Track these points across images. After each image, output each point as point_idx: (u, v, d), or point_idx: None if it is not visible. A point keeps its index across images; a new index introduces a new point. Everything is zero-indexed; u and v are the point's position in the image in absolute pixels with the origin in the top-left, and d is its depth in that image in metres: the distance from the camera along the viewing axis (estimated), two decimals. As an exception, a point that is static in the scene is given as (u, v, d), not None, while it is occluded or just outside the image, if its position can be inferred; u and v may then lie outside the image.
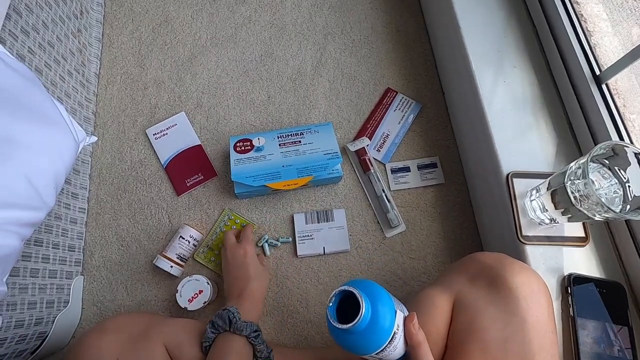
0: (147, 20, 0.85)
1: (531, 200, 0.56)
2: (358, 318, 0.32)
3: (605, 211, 0.43)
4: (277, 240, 0.68)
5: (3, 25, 0.52)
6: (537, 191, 0.55)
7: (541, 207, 0.54)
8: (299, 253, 0.67)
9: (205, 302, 0.58)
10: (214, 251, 0.67)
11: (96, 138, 0.62)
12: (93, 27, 0.80)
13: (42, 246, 0.56)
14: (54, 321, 0.56)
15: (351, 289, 0.34)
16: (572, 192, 0.47)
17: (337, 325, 0.33)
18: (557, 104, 0.63)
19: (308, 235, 0.68)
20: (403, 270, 0.68)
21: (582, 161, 0.45)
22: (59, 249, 0.60)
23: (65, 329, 0.60)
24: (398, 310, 0.37)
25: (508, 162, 0.60)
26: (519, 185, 0.58)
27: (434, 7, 0.81)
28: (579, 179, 0.46)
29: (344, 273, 0.68)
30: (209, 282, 0.59)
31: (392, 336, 0.35)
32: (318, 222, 0.69)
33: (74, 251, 0.64)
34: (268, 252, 0.67)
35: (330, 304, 0.34)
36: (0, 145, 0.42)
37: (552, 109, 0.63)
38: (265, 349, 0.51)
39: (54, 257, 0.58)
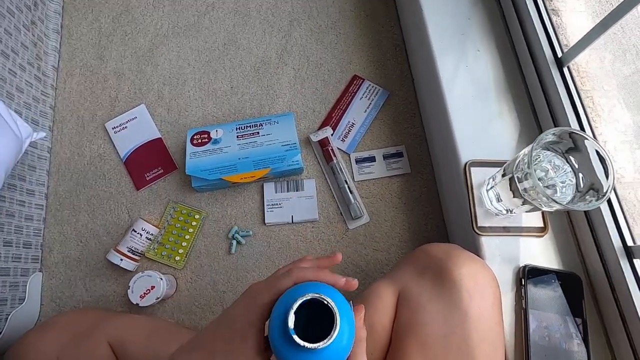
0: (107, 9, 0.82)
1: (487, 190, 0.54)
2: (332, 335, 0.26)
3: (550, 202, 0.41)
4: (240, 234, 0.67)
5: None
6: (493, 179, 0.53)
7: (497, 196, 0.52)
8: (267, 221, 0.67)
9: (157, 297, 0.57)
10: (165, 246, 0.66)
11: (44, 134, 0.61)
12: (50, 18, 0.77)
13: (-9, 244, 0.56)
14: (7, 319, 0.56)
15: (323, 297, 0.28)
16: (520, 182, 0.45)
17: (306, 345, 0.26)
18: (522, 89, 0.61)
19: (277, 204, 0.68)
20: (366, 262, 0.67)
21: (528, 149, 0.43)
22: (12, 246, 0.59)
23: (23, 325, 0.60)
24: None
25: (468, 150, 0.58)
26: (477, 174, 0.56)
27: (402, -11, 0.78)
28: (525, 169, 0.44)
29: (306, 266, 0.66)
30: (162, 278, 0.58)
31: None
32: (287, 191, 0.68)
33: (31, 248, 0.63)
34: (234, 250, 0.66)
35: (291, 323, 0.27)
36: None
37: (515, 95, 0.60)
38: None
39: (5, 255, 0.58)
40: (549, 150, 0.47)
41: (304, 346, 0.26)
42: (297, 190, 0.69)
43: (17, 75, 0.65)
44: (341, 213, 0.69)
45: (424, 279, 0.46)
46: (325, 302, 0.27)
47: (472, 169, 0.57)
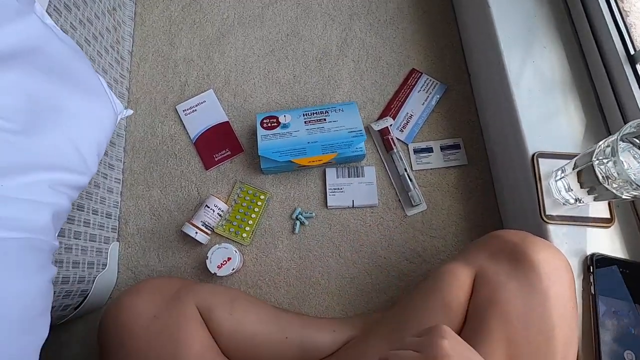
0: (176, -1, 0.87)
1: (556, 180, 0.56)
2: None
3: (634, 189, 0.43)
4: (303, 215, 0.70)
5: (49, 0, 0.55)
6: (563, 171, 0.55)
7: (566, 186, 0.54)
8: (329, 204, 0.70)
9: (233, 268, 0.61)
10: (232, 223, 0.70)
11: (132, 111, 0.65)
12: (126, 5, 0.82)
13: (83, 211, 0.60)
14: (94, 281, 0.61)
15: None
16: (600, 172, 0.47)
17: None
18: (587, 85, 0.63)
19: (338, 189, 0.71)
20: (423, 248, 0.69)
21: (611, 139, 0.45)
22: (97, 215, 0.64)
23: (104, 289, 0.64)
24: None
25: (534, 142, 0.60)
26: (543, 165, 0.58)
27: (463, -14, 0.80)
28: (607, 158, 0.46)
29: (365, 249, 0.69)
30: (237, 251, 0.62)
31: None
32: (349, 177, 0.72)
33: (111, 218, 0.68)
34: (298, 230, 0.69)
35: None
36: (50, 112, 0.45)
37: (581, 91, 0.62)
38: None
39: (93, 222, 0.62)
40: (623, 141, 0.49)
41: None
42: (357, 177, 0.72)
43: (102, 57, 0.70)
44: (399, 200, 0.72)
45: (499, 261, 0.48)
46: None
47: (540, 159, 0.59)
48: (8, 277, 0.32)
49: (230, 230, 0.69)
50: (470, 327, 0.47)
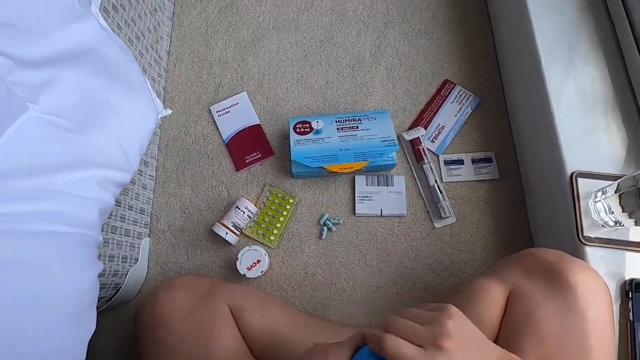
0: (214, 1, 0.88)
1: (596, 202, 0.55)
2: None
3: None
4: (331, 221, 0.70)
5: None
6: (604, 193, 0.54)
7: (607, 209, 0.53)
8: (357, 212, 0.71)
9: (262, 271, 0.62)
10: (260, 225, 0.70)
11: (170, 111, 0.66)
12: (165, 6, 0.84)
13: (120, 206, 0.62)
14: (126, 275, 0.62)
15: None
16: (648, 195, 0.46)
17: None
18: (631, 104, 0.61)
19: (367, 197, 0.71)
20: (450, 262, 0.69)
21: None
22: (132, 210, 0.65)
23: (134, 283, 0.66)
24: None
25: (572, 161, 0.59)
26: (582, 185, 0.57)
27: (502, 0, 0.79)
28: (656, 182, 0.45)
29: (392, 258, 0.69)
30: (266, 254, 0.63)
31: None
32: (378, 185, 0.72)
33: (144, 214, 0.69)
34: (325, 236, 0.70)
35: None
36: (102, 111, 0.46)
37: (624, 110, 0.61)
38: None
39: (128, 218, 0.64)
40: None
41: None
42: (386, 185, 0.72)
43: (143, 56, 0.71)
44: (428, 211, 0.71)
45: (534, 279, 0.47)
46: None
47: (579, 179, 0.57)
48: (65, 271, 0.34)
49: (258, 232, 0.70)
50: (503, 346, 0.46)
